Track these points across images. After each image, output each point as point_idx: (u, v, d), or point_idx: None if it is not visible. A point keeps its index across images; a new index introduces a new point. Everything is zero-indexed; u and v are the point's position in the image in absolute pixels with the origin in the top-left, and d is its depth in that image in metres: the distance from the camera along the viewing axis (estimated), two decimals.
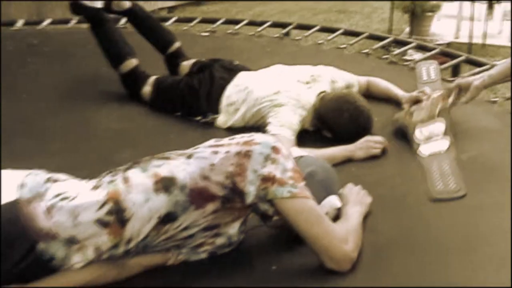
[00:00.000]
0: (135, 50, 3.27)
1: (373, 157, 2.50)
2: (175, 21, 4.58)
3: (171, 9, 8.93)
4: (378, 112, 2.79)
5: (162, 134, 2.88)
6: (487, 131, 2.69)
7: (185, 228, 1.75)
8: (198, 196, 1.73)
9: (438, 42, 6.50)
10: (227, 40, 4.25)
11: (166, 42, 3.46)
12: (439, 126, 2.54)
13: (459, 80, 2.67)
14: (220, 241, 1.83)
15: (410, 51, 4.22)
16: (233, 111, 2.87)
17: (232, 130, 2.76)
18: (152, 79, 3.18)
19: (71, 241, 1.66)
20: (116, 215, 1.69)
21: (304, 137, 2.67)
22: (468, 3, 7.18)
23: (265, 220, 1.85)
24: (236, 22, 4.52)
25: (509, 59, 2.55)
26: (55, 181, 1.77)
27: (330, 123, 2.68)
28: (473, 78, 2.59)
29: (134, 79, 3.21)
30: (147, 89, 3.16)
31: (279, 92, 2.75)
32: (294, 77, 2.86)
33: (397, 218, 2.08)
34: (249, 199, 1.74)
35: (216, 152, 1.77)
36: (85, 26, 3.60)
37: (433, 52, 3.76)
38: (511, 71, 2.49)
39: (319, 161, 2.08)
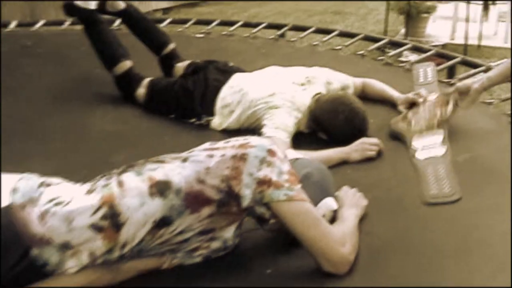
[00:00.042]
0: (129, 51, 3.26)
1: (368, 159, 2.49)
2: (170, 22, 4.57)
3: (166, 10, 8.93)
4: (374, 113, 2.79)
5: (157, 136, 2.87)
6: (483, 132, 2.68)
7: (180, 232, 1.74)
8: (194, 200, 1.72)
9: (433, 44, 6.52)
10: (222, 42, 4.24)
11: (161, 44, 3.44)
12: (438, 137, 2.52)
13: (457, 85, 2.65)
14: (215, 245, 1.82)
15: (405, 53, 4.21)
16: (228, 113, 2.86)
17: (227, 132, 2.76)
18: (146, 81, 3.17)
19: (65, 246, 1.65)
20: (111, 220, 1.68)
21: (300, 139, 2.66)
22: (463, 4, 7.20)
23: (262, 224, 1.85)
24: (231, 23, 4.51)
25: (507, 60, 2.54)
26: (48, 185, 1.76)
27: (326, 125, 2.67)
28: (472, 81, 2.58)
29: (128, 81, 3.20)
30: (141, 91, 3.15)
31: (274, 94, 2.74)
32: (289, 79, 2.85)
33: (393, 220, 2.07)
34: (245, 202, 1.73)
35: (211, 156, 1.76)
36: (78, 27, 3.59)
37: (428, 53, 3.76)
38: (510, 73, 2.48)
39: (315, 163, 2.08)
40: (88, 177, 1.84)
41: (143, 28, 3.51)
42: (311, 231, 1.73)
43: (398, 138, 2.63)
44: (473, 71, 3.41)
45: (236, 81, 2.94)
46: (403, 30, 7.49)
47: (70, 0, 3.26)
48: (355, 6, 9.34)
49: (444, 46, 6.78)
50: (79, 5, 3.26)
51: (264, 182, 1.72)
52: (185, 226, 1.73)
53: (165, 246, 1.76)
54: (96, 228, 1.67)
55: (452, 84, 3.21)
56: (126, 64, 3.20)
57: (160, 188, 1.71)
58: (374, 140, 2.55)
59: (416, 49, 4.04)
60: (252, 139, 1.80)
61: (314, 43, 4.11)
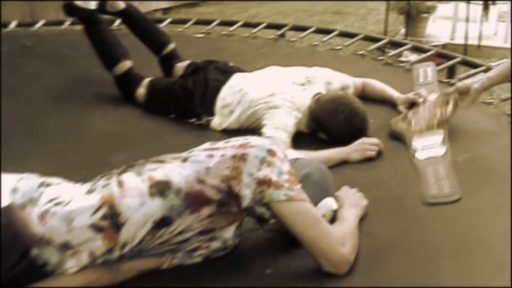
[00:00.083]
0: (129, 51, 3.25)
1: (368, 159, 2.48)
2: (170, 22, 4.57)
3: (165, 10, 8.93)
4: (374, 113, 2.79)
5: (157, 136, 2.87)
6: (483, 132, 2.68)
7: (180, 232, 1.74)
8: (194, 200, 1.71)
9: (433, 44, 6.52)
10: (222, 42, 4.24)
11: (161, 44, 3.44)
12: (438, 137, 2.52)
13: (457, 85, 2.64)
14: (215, 245, 1.82)
15: (405, 53, 4.21)
16: (228, 113, 2.86)
17: (227, 132, 2.76)
18: (146, 81, 3.16)
19: (65, 246, 1.65)
20: (111, 220, 1.68)
21: (299, 139, 2.66)
22: (463, 4, 7.19)
23: (262, 224, 1.84)
24: (231, 23, 4.51)
25: (507, 60, 2.54)
26: (48, 185, 1.76)
27: (326, 125, 2.67)
28: (472, 81, 2.57)
29: (128, 81, 3.19)
30: (141, 91, 3.15)
31: (274, 94, 2.74)
32: (289, 79, 2.85)
33: (393, 220, 2.07)
34: (245, 202, 1.73)
35: (211, 156, 1.76)
36: (78, 27, 3.59)
37: (428, 53, 3.75)
38: (511, 73, 2.48)
39: (315, 163, 2.08)
40: (88, 177, 1.84)
41: (143, 28, 3.51)
42: (311, 231, 1.73)
43: (398, 138, 2.63)
44: (473, 71, 3.41)
45: (236, 81, 2.94)
46: (403, 30, 7.49)
47: (70, 0, 3.26)
48: (355, 6, 9.33)
49: (444, 46, 6.77)
50: (79, 5, 3.25)
51: (264, 182, 1.71)
52: (185, 226, 1.73)
53: (165, 246, 1.76)
54: (96, 228, 1.67)
55: (452, 84, 3.21)
56: (126, 64, 3.20)
57: (160, 188, 1.71)
58: (374, 140, 2.54)
59: (416, 49, 4.04)
60: (252, 139, 1.80)
61: (314, 43, 4.11)
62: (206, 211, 1.73)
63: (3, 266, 1.61)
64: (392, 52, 3.88)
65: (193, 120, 2.92)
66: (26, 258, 1.62)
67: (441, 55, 3.88)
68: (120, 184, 1.73)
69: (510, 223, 1.91)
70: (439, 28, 7.68)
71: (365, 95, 2.98)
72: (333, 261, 1.73)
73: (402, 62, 3.66)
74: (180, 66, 3.32)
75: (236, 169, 1.72)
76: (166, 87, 3.08)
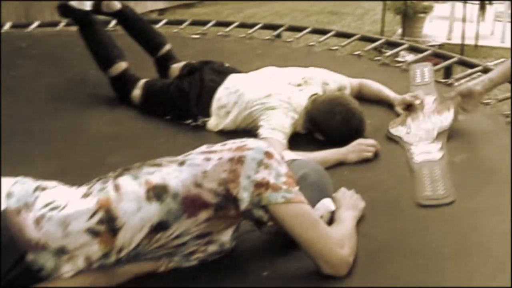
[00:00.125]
0: (124, 52, 3.24)
1: (365, 161, 2.47)
2: (166, 23, 4.56)
3: (161, 11, 8.92)
4: (371, 114, 2.78)
5: (153, 137, 2.86)
6: (481, 133, 2.67)
7: (177, 236, 1.73)
8: (191, 204, 1.70)
9: (430, 44, 6.50)
10: (218, 42, 4.23)
11: (157, 45, 3.43)
12: (436, 145, 2.51)
13: (459, 89, 2.61)
14: (212, 248, 1.81)
15: (402, 53, 4.21)
16: (224, 114, 2.85)
17: (223, 133, 2.75)
18: (141, 82, 3.15)
19: (61, 251, 1.64)
20: (107, 224, 1.67)
21: (296, 140, 2.65)
22: (460, 4, 7.20)
23: (260, 227, 1.83)
24: (227, 24, 4.50)
25: (507, 61, 2.52)
26: (44, 189, 1.75)
27: (322, 126, 2.66)
28: (473, 84, 2.55)
29: (123, 82, 3.18)
30: (137, 92, 3.13)
31: (270, 95, 2.73)
32: (285, 80, 2.84)
33: (390, 221, 2.06)
34: (243, 205, 1.72)
35: (208, 159, 1.75)
36: (73, 28, 3.57)
37: (425, 53, 3.75)
38: (511, 73, 2.46)
39: (312, 164, 2.07)
40: (84, 178, 1.83)
41: (139, 29, 3.50)
42: (309, 233, 1.72)
43: (395, 140, 2.62)
44: (470, 71, 3.40)
45: (232, 82, 2.93)
46: (399, 30, 7.49)
47: (64, 0, 3.24)
48: (351, 6, 9.33)
49: (441, 46, 6.76)
50: (74, 6, 3.24)
51: (262, 185, 1.70)
52: (182, 230, 1.72)
53: (162, 250, 1.75)
54: (93, 232, 1.66)
55: (449, 84, 3.20)
56: (122, 65, 3.18)
57: (157, 192, 1.70)
58: (370, 141, 2.53)
59: (413, 49, 4.03)
60: (249, 142, 1.79)
61: (311, 43, 4.09)
62: (203, 215, 1.72)
63: None
64: (389, 52, 3.87)
65: (189, 121, 2.91)
66: (21, 263, 1.61)
67: (438, 55, 3.87)
68: (117, 188, 1.72)
69: (509, 224, 1.90)
70: (435, 28, 7.69)
71: (361, 96, 2.97)
72: (332, 263, 1.73)
73: (399, 62, 3.65)
74: (176, 67, 3.31)
75: (234, 172, 1.71)
76: (162, 88, 3.07)
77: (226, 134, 2.72)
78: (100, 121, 3.05)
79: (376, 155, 2.50)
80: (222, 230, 1.79)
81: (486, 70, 3.25)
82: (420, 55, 3.72)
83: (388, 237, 1.96)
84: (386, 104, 2.95)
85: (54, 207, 1.68)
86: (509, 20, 7.31)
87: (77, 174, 2.06)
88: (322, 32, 4.36)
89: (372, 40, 4.21)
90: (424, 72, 3.26)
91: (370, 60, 3.78)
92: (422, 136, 2.57)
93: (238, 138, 1.84)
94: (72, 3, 3.23)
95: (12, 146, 2.70)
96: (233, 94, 2.85)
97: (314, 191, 1.92)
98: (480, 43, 7.06)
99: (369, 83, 3.07)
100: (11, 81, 3.48)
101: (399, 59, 3.91)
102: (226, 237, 1.81)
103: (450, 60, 3.61)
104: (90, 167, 2.46)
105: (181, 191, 1.70)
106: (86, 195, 1.72)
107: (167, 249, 1.75)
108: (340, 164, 2.47)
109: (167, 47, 3.43)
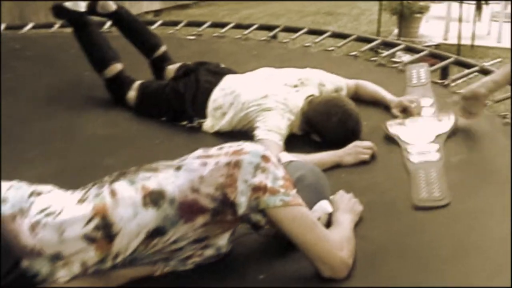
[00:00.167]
0: (119, 54, 3.23)
1: (362, 163, 2.46)
2: (161, 24, 4.55)
3: (157, 12, 8.91)
4: (367, 115, 2.77)
5: (148, 139, 2.85)
6: (478, 134, 2.66)
7: (174, 242, 1.72)
8: (188, 209, 1.69)
9: (426, 44, 6.52)
10: (214, 44, 4.22)
11: (152, 46, 3.42)
12: (434, 146, 2.49)
13: (463, 92, 2.57)
14: (209, 252, 1.81)
15: (398, 53, 4.19)
16: (220, 115, 2.83)
17: (219, 135, 2.74)
18: (137, 83, 3.14)
19: (56, 257, 1.63)
20: (103, 231, 1.65)
21: (292, 142, 2.64)
22: (456, 4, 7.20)
23: (257, 229, 1.82)
24: (223, 25, 4.49)
25: (509, 62, 2.51)
26: (39, 194, 1.74)
27: (319, 127, 2.65)
28: (477, 86, 2.52)
29: (118, 84, 3.17)
30: (132, 94, 3.12)
31: (267, 96, 2.72)
32: (281, 81, 2.83)
33: (387, 224, 2.05)
34: (241, 210, 1.70)
35: (205, 164, 1.73)
36: (68, 30, 3.56)
37: (421, 53, 3.74)
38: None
39: (308, 166, 2.06)
40: (80, 180, 1.82)
41: (134, 30, 3.49)
42: (308, 235, 1.71)
43: (391, 140, 2.61)
44: (466, 71, 3.40)
45: (227, 83, 2.92)
46: (396, 31, 7.49)
47: (59, 0, 3.23)
48: (347, 7, 9.34)
49: (437, 46, 6.77)
50: (68, 7, 3.22)
51: (259, 189, 1.69)
52: (179, 235, 1.71)
53: (158, 254, 1.74)
54: (89, 239, 1.65)
55: (446, 85, 3.19)
56: (117, 67, 3.17)
57: (154, 198, 1.69)
58: (367, 143, 2.52)
59: (409, 50, 4.03)
60: (246, 145, 1.78)
61: (307, 44, 4.08)
62: (200, 220, 1.71)
63: None
64: (385, 53, 3.87)
65: (184, 122, 2.90)
66: (16, 269, 1.60)
67: (434, 55, 3.87)
68: (113, 193, 1.70)
69: (507, 225, 1.89)
70: (432, 28, 7.69)
71: (358, 97, 2.96)
72: (332, 265, 1.72)
73: (395, 62, 3.64)
74: (171, 69, 3.30)
75: (231, 176, 1.70)
76: (157, 90, 3.06)
77: (222, 135, 2.71)
78: (96, 122, 3.05)
79: (373, 157, 2.49)
80: (219, 234, 1.78)
81: (483, 71, 3.25)
82: (416, 56, 3.72)
83: (386, 239, 1.95)
84: (382, 105, 2.93)
85: (49, 213, 1.66)
86: (506, 20, 7.32)
87: (73, 176, 2.04)
88: (318, 32, 4.35)
89: (368, 40, 4.20)
90: (421, 73, 3.25)
91: (367, 60, 3.77)
92: (420, 136, 2.55)
93: (234, 140, 1.83)
94: (67, 4, 3.22)
95: (4, 149, 2.68)
96: (229, 95, 2.84)
97: (311, 193, 1.92)
98: (477, 43, 7.06)
99: (366, 84, 3.06)
100: (5, 83, 3.46)
101: (395, 59, 3.90)
102: (223, 241, 1.81)
103: (447, 61, 3.60)
104: (86, 169, 2.46)
105: (178, 196, 1.69)
106: (81, 201, 1.71)
107: (163, 254, 1.74)
108: (337, 166, 2.45)
109: (163, 48, 3.42)
